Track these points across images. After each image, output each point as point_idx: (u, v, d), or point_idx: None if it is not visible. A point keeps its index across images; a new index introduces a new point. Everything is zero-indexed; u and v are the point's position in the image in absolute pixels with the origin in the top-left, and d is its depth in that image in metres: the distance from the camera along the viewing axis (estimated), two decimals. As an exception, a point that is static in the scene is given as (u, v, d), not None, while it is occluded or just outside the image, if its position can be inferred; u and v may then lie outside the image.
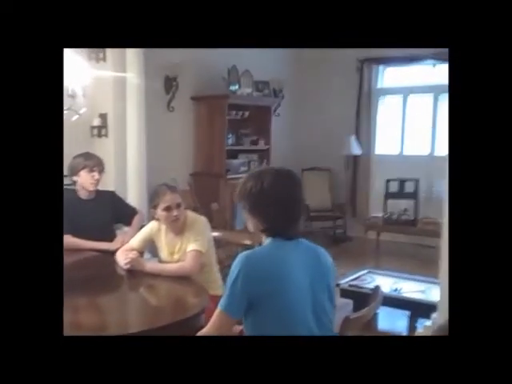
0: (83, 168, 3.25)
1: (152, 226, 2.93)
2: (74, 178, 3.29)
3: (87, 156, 3.32)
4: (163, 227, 2.87)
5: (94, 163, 3.27)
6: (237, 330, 1.99)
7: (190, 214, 2.89)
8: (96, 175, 3.26)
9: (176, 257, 2.82)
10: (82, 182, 3.28)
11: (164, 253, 2.88)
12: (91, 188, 3.28)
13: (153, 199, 2.82)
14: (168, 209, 2.74)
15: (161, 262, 2.90)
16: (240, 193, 1.80)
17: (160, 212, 2.76)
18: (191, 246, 2.71)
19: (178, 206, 2.76)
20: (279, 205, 1.74)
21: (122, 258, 2.75)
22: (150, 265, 2.77)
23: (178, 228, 2.81)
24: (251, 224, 1.82)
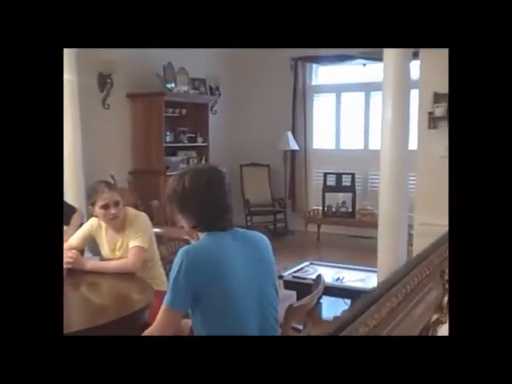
0: None
1: (92, 222, 2.86)
2: None
3: None
4: (103, 224, 2.81)
5: None
6: (188, 324, 1.97)
7: (131, 211, 2.84)
8: None
9: (118, 254, 2.77)
10: None
11: (105, 250, 2.83)
12: None
13: (90, 196, 2.76)
14: (106, 206, 2.68)
15: (102, 259, 2.84)
16: (168, 195, 1.88)
17: (98, 210, 2.71)
18: (133, 243, 2.67)
19: (117, 203, 2.71)
20: (203, 200, 1.80)
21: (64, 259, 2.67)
22: (91, 263, 2.71)
23: (118, 225, 2.76)
24: (183, 222, 1.89)
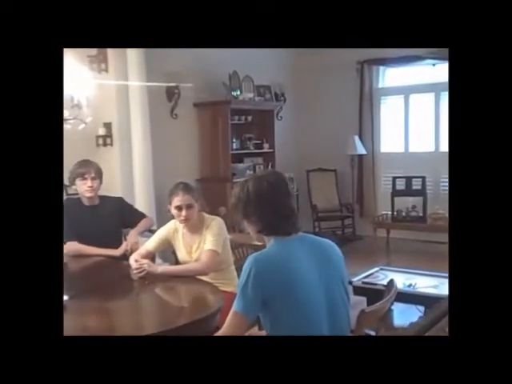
0: (76, 176, 3.27)
1: (169, 227, 2.97)
2: (74, 187, 3.35)
3: (80, 164, 3.31)
4: (180, 227, 2.92)
5: (85, 171, 3.26)
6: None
7: (207, 215, 2.95)
8: (88, 182, 3.25)
9: (194, 256, 2.86)
10: (79, 190, 3.30)
11: (182, 252, 2.92)
12: (87, 195, 3.29)
13: (169, 196, 2.90)
14: (179, 208, 2.82)
15: (179, 262, 2.95)
16: (232, 203, 1.90)
17: (173, 210, 2.86)
18: (207, 246, 2.78)
19: (189, 206, 2.82)
20: (267, 203, 1.82)
21: (135, 266, 2.77)
22: (162, 268, 2.80)
23: (193, 228, 2.86)
24: (249, 229, 1.91)
